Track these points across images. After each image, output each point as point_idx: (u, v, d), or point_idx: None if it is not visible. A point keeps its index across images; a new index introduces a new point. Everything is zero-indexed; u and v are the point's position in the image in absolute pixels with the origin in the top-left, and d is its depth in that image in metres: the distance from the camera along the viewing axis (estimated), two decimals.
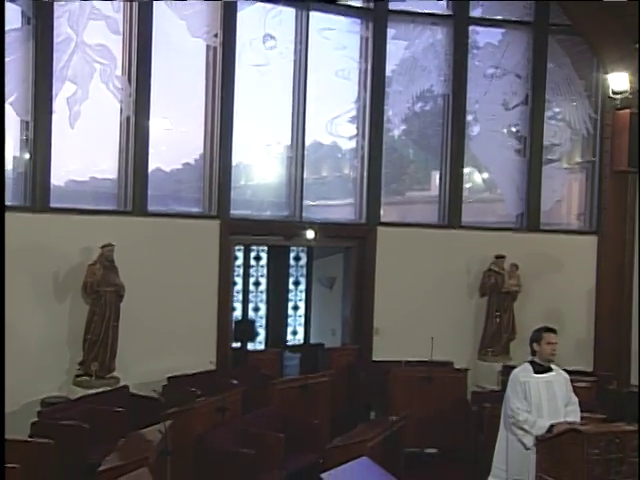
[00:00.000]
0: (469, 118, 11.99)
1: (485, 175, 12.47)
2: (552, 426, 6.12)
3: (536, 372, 6.45)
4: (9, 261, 8.69)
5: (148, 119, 9.95)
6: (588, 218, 12.44)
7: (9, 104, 9.12)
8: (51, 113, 9.34)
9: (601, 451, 5.75)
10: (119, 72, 9.92)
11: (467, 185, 12.12)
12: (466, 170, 12.00)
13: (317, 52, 11.12)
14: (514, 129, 12.29)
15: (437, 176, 12.02)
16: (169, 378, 9.68)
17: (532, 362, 6.53)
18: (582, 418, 6.46)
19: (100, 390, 9.01)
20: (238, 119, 10.57)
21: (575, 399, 6.51)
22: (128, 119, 9.94)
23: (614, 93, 11.69)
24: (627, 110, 11.66)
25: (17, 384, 8.67)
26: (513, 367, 7.00)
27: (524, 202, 12.16)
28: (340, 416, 10.09)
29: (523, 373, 6.49)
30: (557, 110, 12.42)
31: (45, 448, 7.05)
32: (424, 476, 8.49)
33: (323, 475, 6.04)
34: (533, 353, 6.56)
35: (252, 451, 7.37)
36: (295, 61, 11.07)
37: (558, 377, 6.51)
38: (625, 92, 11.58)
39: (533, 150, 12.09)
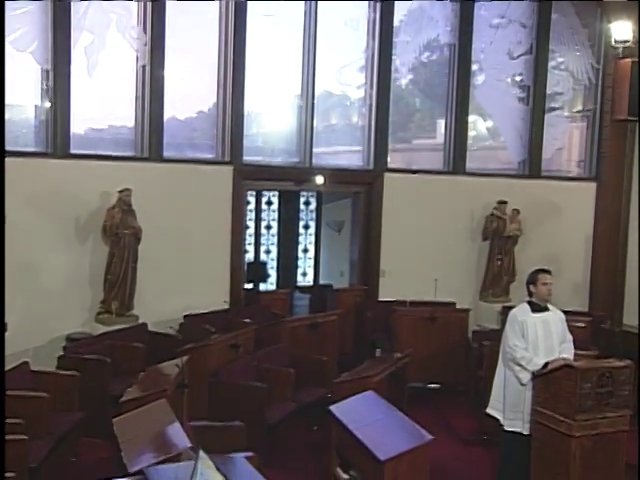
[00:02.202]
0: (474, 67, 11.87)
1: (489, 123, 12.42)
2: (547, 363, 6.24)
3: (533, 311, 6.53)
4: (33, 205, 8.86)
5: (163, 68, 9.90)
6: (588, 165, 12.42)
7: (30, 53, 9.11)
8: (70, 62, 9.28)
9: (593, 385, 5.85)
10: (134, 22, 9.84)
11: (471, 133, 12.05)
12: (471, 118, 11.94)
13: (327, 1, 10.96)
14: (518, 78, 12.17)
15: (442, 124, 11.96)
16: (185, 316, 9.80)
17: (530, 302, 6.61)
18: (577, 355, 6.55)
19: (120, 327, 9.11)
20: (250, 69, 10.50)
21: (570, 337, 6.59)
22: (144, 68, 9.87)
23: (616, 42, 11.58)
24: (628, 59, 11.54)
25: (44, 321, 8.86)
26: (513, 308, 7.08)
27: (526, 149, 12.14)
28: (347, 353, 10.26)
29: (521, 312, 6.55)
30: (560, 60, 12.29)
31: (71, 380, 7.25)
32: (426, 409, 8.60)
33: (331, 407, 6.21)
34: (530, 294, 6.62)
35: (264, 385, 7.50)
36: (305, 11, 10.93)
37: (554, 316, 6.58)
38: (627, 41, 11.46)
39: (536, 99, 12.01)
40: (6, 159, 8.22)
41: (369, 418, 5.84)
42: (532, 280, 6.61)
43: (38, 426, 6.25)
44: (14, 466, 4.87)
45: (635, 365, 6.19)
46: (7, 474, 4.64)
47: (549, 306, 6.62)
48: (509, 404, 6.50)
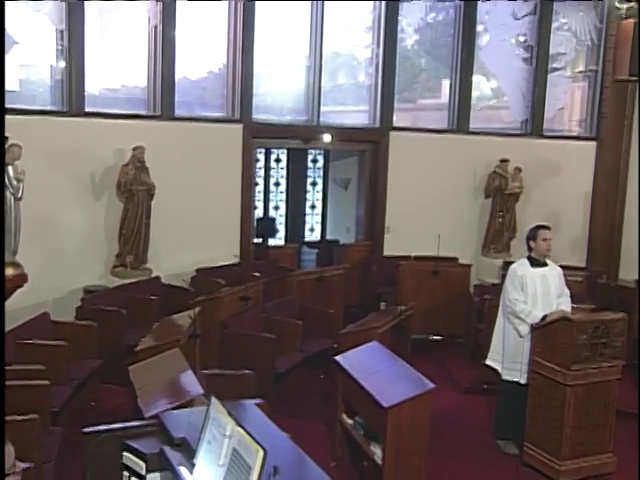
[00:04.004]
0: (479, 28, 11.72)
1: (493, 83, 12.30)
2: (545, 316, 6.30)
3: (532, 266, 6.56)
4: (50, 162, 8.87)
5: (174, 29, 9.81)
6: (588, 125, 12.32)
7: (44, 13, 9.03)
8: (84, 22, 9.20)
9: (588, 337, 5.93)
10: None
11: (475, 93, 11.93)
12: (475, 78, 11.80)
13: None
14: (522, 39, 12.01)
15: (447, 84, 11.85)
16: (197, 270, 9.87)
17: (529, 257, 6.64)
18: (574, 308, 6.61)
19: (135, 280, 9.19)
20: (259, 29, 10.41)
21: (567, 291, 6.63)
22: (155, 28, 9.78)
23: (620, 2, 11.40)
24: (631, 20, 11.35)
25: (62, 274, 8.92)
26: (513, 263, 7.09)
27: (529, 109, 12.04)
28: (353, 305, 10.34)
29: (521, 267, 6.59)
30: (564, 21, 12.11)
31: (89, 329, 7.36)
32: (428, 359, 8.68)
33: (337, 357, 6.29)
34: (530, 250, 6.65)
35: (273, 335, 7.56)
36: None
37: (552, 271, 6.61)
38: (630, 2, 11.27)
39: (539, 59, 11.86)
40: (23, 117, 8.31)
41: (373, 367, 5.91)
42: (532, 236, 6.64)
43: (59, 373, 6.36)
44: (37, 409, 4.97)
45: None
46: (31, 416, 4.75)
47: (548, 261, 6.65)
48: (508, 355, 6.58)
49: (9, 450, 2.87)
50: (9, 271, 7.10)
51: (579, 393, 5.97)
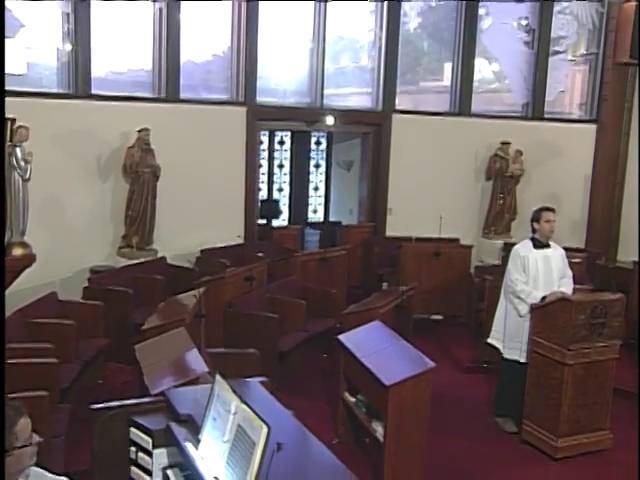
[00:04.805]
0: (481, 11, 11.64)
1: (495, 66, 12.23)
2: (545, 297, 6.30)
3: (535, 247, 6.55)
4: (57, 144, 8.87)
5: (179, 12, 9.77)
6: (589, 108, 12.26)
7: None
8: (90, 5, 9.15)
9: (587, 317, 5.95)
10: None
11: (477, 76, 11.86)
12: (477, 62, 11.73)
13: None
14: (524, 22, 11.94)
15: (449, 67, 11.79)
16: (202, 250, 9.89)
17: (532, 239, 6.62)
18: (574, 290, 6.61)
19: (141, 260, 9.22)
20: (263, 12, 10.36)
21: (569, 273, 6.62)
22: (161, 11, 9.75)
23: None
24: (632, 3, 11.27)
25: (70, 254, 8.96)
26: (513, 244, 7.08)
27: (530, 92, 11.99)
28: (355, 286, 10.35)
29: (523, 248, 6.57)
30: (565, 4, 12.01)
31: (96, 309, 7.38)
32: (429, 339, 8.71)
33: (340, 337, 6.30)
34: (533, 231, 6.62)
35: (276, 315, 7.56)
36: None
37: (555, 253, 6.60)
38: None
39: (541, 42, 11.77)
40: (30, 99, 8.30)
41: (375, 347, 5.92)
42: (536, 217, 6.61)
43: (67, 351, 6.40)
44: (46, 387, 5.01)
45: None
46: (40, 393, 4.78)
47: (551, 243, 6.63)
48: (509, 334, 6.59)
49: (26, 422, 2.90)
50: (18, 251, 7.11)
51: (577, 372, 6.00)
